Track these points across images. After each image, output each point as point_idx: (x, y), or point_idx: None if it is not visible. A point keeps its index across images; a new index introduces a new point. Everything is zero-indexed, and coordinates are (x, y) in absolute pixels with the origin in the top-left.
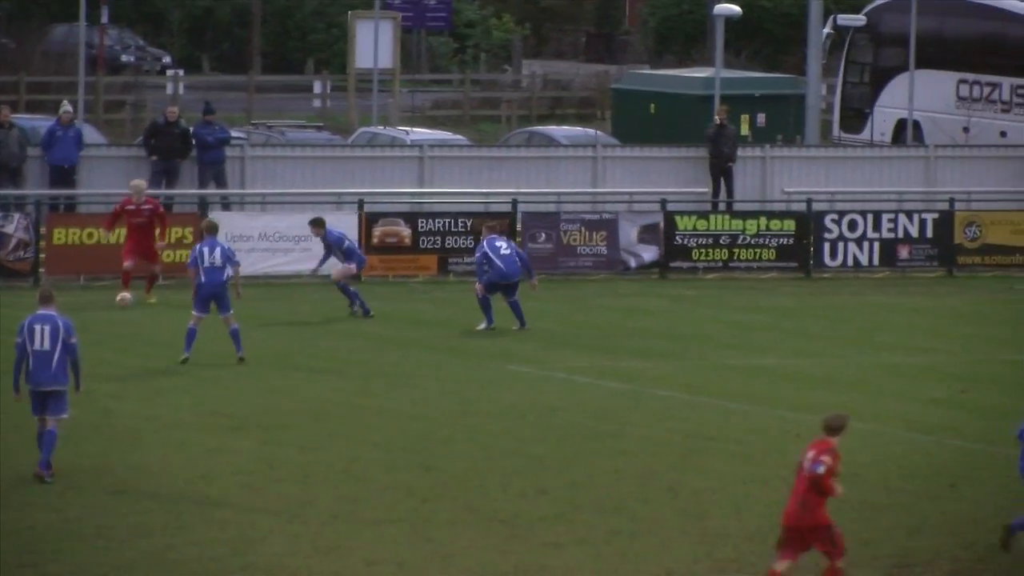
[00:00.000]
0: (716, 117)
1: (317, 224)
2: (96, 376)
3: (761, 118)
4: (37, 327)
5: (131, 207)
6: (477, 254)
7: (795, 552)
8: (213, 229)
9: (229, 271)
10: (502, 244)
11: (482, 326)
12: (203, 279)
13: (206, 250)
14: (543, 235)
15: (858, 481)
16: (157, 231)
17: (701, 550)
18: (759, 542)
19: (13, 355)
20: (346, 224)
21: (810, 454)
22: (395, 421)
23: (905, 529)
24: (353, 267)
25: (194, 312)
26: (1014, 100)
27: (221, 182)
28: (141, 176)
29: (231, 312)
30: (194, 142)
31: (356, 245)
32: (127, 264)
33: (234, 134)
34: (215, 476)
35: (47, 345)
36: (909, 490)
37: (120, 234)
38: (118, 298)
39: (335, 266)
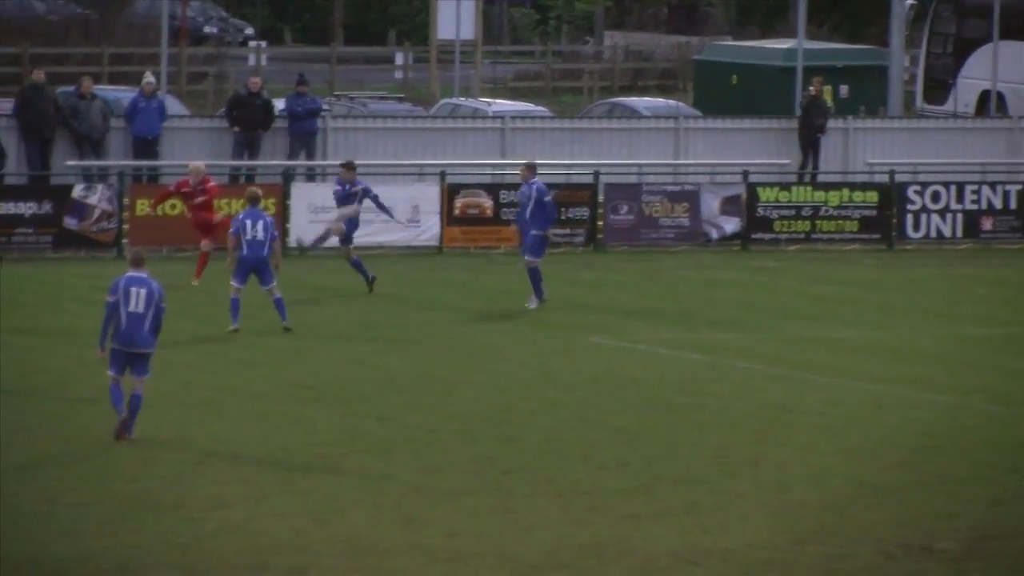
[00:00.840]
0: (811, 88)
1: (351, 167)
2: (176, 346)
3: (844, 90)
4: (133, 289)
5: (187, 189)
6: (547, 198)
7: None
8: (256, 199)
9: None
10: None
11: (535, 304)
12: (245, 251)
13: (248, 222)
14: (625, 207)
15: (939, 454)
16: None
17: (782, 522)
18: (839, 514)
19: (98, 318)
20: (428, 195)
21: None
22: (475, 392)
23: (986, 502)
24: (350, 211)
25: (233, 283)
26: None
27: (311, 153)
28: (223, 147)
29: (273, 284)
30: (286, 113)
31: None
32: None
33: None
34: (295, 447)
35: (141, 308)
36: (990, 463)
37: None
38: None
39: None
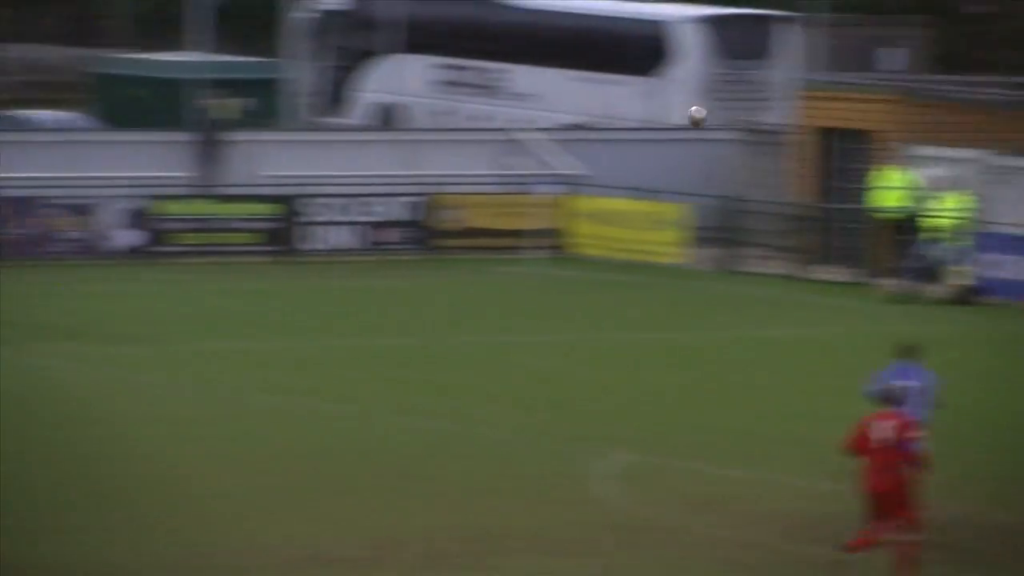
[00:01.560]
0: (206, 101)
1: None
2: None
3: (244, 102)
4: None
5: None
6: None
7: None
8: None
9: None
10: None
11: None
12: None
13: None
14: (20, 220)
15: (342, 463)
16: None
17: (181, 536)
18: (239, 527)
19: None
20: None
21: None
22: None
23: (384, 508)
24: None
25: None
26: (494, 84)
27: None
28: None
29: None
30: None
31: None
32: None
33: None
34: None
35: None
36: (388, 470)
37: None
38: None
39: None
